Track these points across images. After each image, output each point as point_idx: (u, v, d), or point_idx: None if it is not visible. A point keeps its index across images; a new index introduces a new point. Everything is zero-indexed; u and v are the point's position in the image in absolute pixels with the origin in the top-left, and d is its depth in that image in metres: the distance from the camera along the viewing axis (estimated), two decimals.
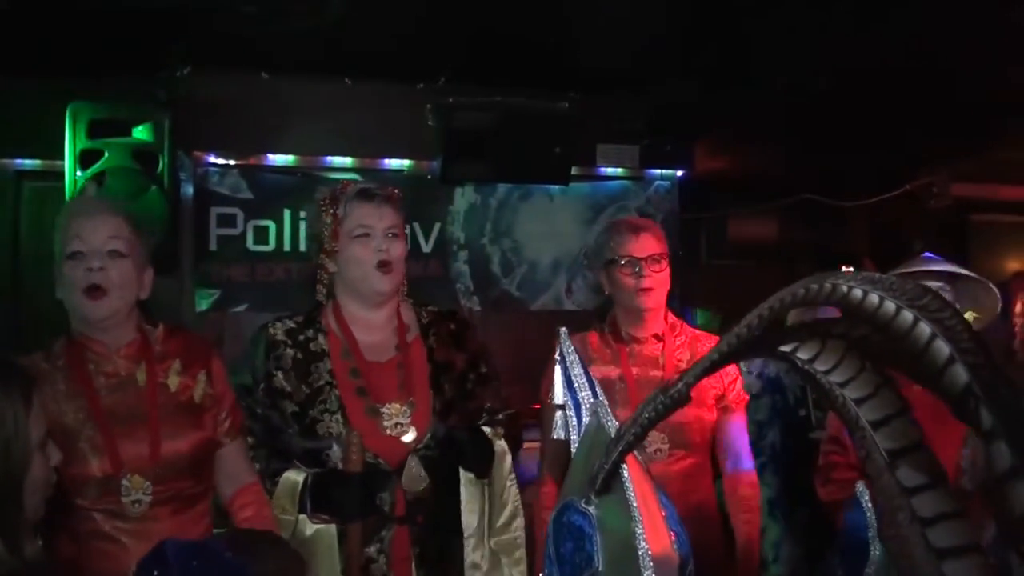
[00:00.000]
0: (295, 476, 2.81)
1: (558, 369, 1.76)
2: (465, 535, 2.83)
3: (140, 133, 4.86)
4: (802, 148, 6.75)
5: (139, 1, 4.29)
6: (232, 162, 5.74)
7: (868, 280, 0.92)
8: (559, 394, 1.76)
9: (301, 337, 2.97)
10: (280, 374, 2.91)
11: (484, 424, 3.02)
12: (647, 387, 3.29)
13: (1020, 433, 0.81)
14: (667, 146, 6.31)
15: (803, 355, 1.03)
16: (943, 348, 0.85)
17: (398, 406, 2.88)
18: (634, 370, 3.35)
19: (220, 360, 2.89)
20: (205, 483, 2.78)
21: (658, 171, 6.43)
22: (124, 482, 2.55)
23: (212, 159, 5.69)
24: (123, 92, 5.06)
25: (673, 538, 1.47)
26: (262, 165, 5.82)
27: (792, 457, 4.83)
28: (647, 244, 3.40)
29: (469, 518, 2.84)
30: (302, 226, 5.84)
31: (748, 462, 3.52)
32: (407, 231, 3.09)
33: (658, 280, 3.38)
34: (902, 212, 7.01)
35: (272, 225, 5.83)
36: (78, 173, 4.68)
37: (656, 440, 3.32)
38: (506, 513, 2.92)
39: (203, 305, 5.69)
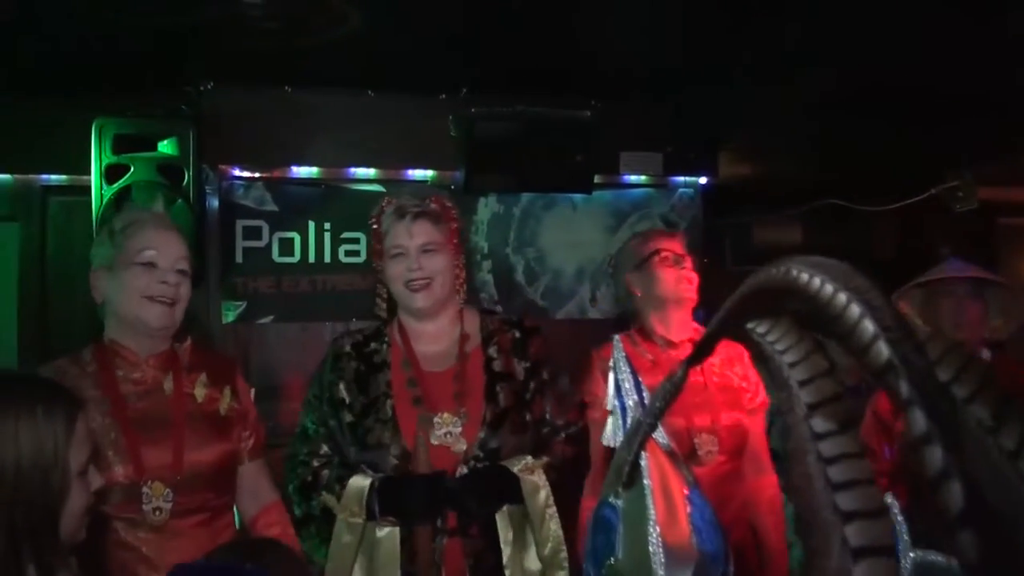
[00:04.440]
0: (362, 481, 2.81)
1: (611, 376, 1.78)
2: (504, 562, 2.82)
3: (165, 147, 4.89)
4: (826, 153, 6.73)
5: (163, 17, 4.32)
6: (257, 175, 5.76)
7: (814, 264, 1.01)
8: (609, 400, 1.78)
9: (366, 349, 3.01)
10: (342, 384, 2.96)
11: (540, 444, 2.98)
12: (688, 392, 3.29)
13: (934, 403, 0.88)
14: (690, 153, 6.29)
15: (759, 330, 1.14)
16: (869, 327, 0.93)
17: (449, 416, 2.89)
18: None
19: (243, 378, 2.93)
20: (228, 496, 2.80)
21: (682, 178, 6.42)
22: (145, 489, 2.57)
23: (237, 172, 5.72)
24: (148, 107, 5.09)
25: (693, 533, 1.48)
26: (286, 178, 5.84)
27: None
28: (679, 245, 3.44)
29: (504, 547, 2.84)
30: (327, 238, 5.87)
31: (771, 466, 3.53)
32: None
33: (692, 277, 3.41)
34: (928, 216, 6.97)
35: (297, 237, 5.85)
36: (104, 187, 4.72)
37: (708, 443, 3.33)
38: (549, 548, 2.86)
39: (229, 317, 5.72)
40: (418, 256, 2.94)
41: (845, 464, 1.02)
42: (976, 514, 0.84)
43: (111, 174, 4.74)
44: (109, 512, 2.54)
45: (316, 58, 5.04)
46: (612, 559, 1.50)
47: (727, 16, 4.45)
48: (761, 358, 1.16)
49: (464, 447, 2.85)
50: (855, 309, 0.95)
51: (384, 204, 3.05)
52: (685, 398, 3.30)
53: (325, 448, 2.97)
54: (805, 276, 1.01)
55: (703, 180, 6.46)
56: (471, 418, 2.90)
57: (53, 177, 5.60)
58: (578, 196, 6.19)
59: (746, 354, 1.16)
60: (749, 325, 1.16)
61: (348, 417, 2.91)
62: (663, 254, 3.45)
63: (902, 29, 4.45)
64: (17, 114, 5.30)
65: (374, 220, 3.03)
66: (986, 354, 3.52)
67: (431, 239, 2.97)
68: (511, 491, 2.84)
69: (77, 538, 1.98)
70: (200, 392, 2.77)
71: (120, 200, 4.70)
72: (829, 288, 0.98)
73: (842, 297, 0.96)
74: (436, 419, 2.88)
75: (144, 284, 2.65)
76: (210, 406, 2.77)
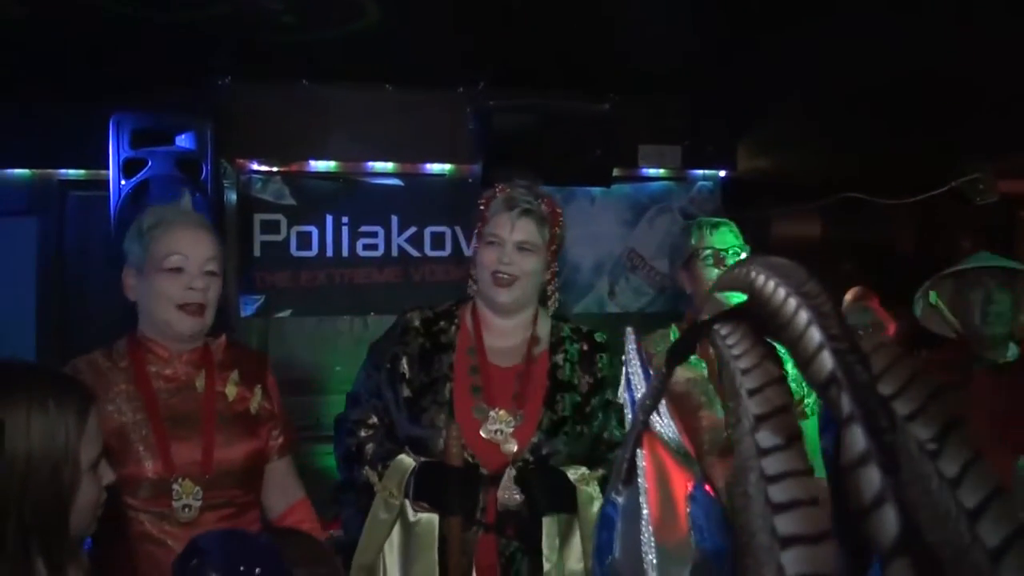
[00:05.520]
0: (406, 463, 2.81)
1: (624, 369, 1.76)
2: (544, 569, 2.80)
3: (183, 142, 4.89)
4: (845, 146, 6.70)
5: (181, 12, 4.31)
6: (275, 169, 5.77)
7: (770, 266, 0.98)
8: (620, 392, 1.76)
9: (435, 328, 2.98)
10: (405, 359, 2.92)
11: (595, 459, 2.95)
12: None
13: (874, 420, 0.84)
14: (709, 146, 6.27)
15: (722, 332, 1.09)
16: (815, 335, 0.90)
17: (505, 413, 2.85)
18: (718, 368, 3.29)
19: (274, 377, 2.92)
20: (255, 493, 2.79)
21: (700, 171, 6.40)
22: (175, 486, 2.56)
23: (255, 166, 5.73)
24: (165, 102, 5.09)
25: (692, 532, 1.46)
26: (304, 171, 5.85)
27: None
28: (726, 237, 3.41)
29: (548, 552, 2.81)
30: (344, 231, 5.87)
31: (819, 468, 3.49)
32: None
33: None
34: (947, 209, 6.93)
35: (315, 231, 5.86)
36: (122, 182, 4.72)
37: None
38: None
39: (247, 311, 5.72)
40: (512, 251, 2.89)
41: (789, 482, 0.95)
42: (909, 546, 0.79)
43: (129, 168, 4.73)
44: (136, 505, 2.54)
45: (333, 52, 5.04)
46: (611, 557, 1.48)
47: (745, 10, 4.43)
48: (721, 363, 1.11)
49: (514, 448, 2.82)
50: (803, 316, 0.92)
51: (498, 190, 3.00)
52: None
53: (374, 418, 2.94)
54: (761, 278, 0.98)
55: (722, 173, 6.45)
56: (526, 420, 2.86)
57: (71, 172, 5.62)
58: (596, 189, 6.18)
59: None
60: (715, 327, 1.11)
61: (406, 392, 2.89)
62: (703, 253, 3.41)
63: (921, 23, 4.43)
64: (35, 109, 5.31)
65: (483, 203, 2.98)
66: (1013, 349, 3.50)
67: (530, 238, 2.91)
68: (570, 497, 2.82)
69: (87, 532, 1.96)
70: (231, 391, 2.75)
71: (138, 195, 4.69)
72: (781, 292, 0.95)
73: (792, 303, 0.94)
74: (492, 413, 2.85)
75: (173, 292, 2.63)
76: (241, 405, 2.76)
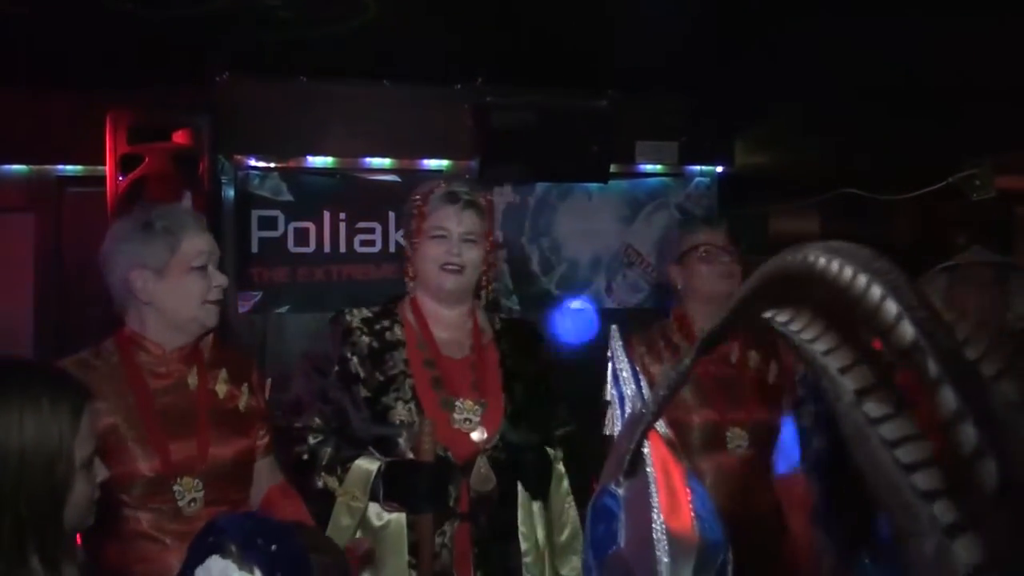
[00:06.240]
0: (368, 464, 2.83)
1: (610, 366, 1.77)
2: (521, 548, 2.84)
3: (180, 138, 4.89)
4: (842, 143, 6.70)
5: (178, 8, 4.31)
6: (272, 165, 5.75)
7: (832, 249, 0.99)
8: (608, 390, 1.77)
9: (377, 326, 3.01)
10: (355, 359, 2.94)
11: (549, 440, 3.05)
12: (723, 385, 3.34)
13: (963, 379, 0.87)
14: (706, 142, 6.27)
15: (780, 319, 1.12)
16: (892, 306, 0.92)
17: (470, 403, 2.91)
18: (711, 368, 3.35)
19: (260, 377, 2.94)
20: (246, 492, 2.82)
21: (697, 167, 6.40)
22: (176, 487, 2.58)
23: (252, 162, 5.71)
24: (162, 98, 5.09)
25: (695, 520, 1.47)
26: (302, 168, 5.84)
27: (837, 464, 4.78)
28: (722, 237, 3.44)
29: (525, 533, 2.86)
30: (342, 228, 5.86)
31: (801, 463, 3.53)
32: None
33: (735, 270, 3.40)
34: (945, 206, 6.93)
35: (312, 227, 5.85)
36: (119, 178, 4.72)
37: (739, 436, 3.35)
38: (566, 533, 2.99)
39: (245, 307, 5.72)
40: (459, 242, 2.97)
41: (911, 446, 0.99)
42: (1011, 494, 0.83)
43: (126, 165, 4.73)
44: (130, 503, 2.55)
45: (331, 48, 5.03)
46: (614, 547, 1.49)
47: (744, 7, 4.42)
48: (791, 347, 1.14)
49: (483, 436, 2.88)
50: (877, 290, 0.93)
51: (434, 186, 3.06)
52: (719, 391, 3.35)
53: (318, 421, 2.95)
54: (823, 260, 0.99)
55: (719, 169, 6.44)
56: (491, 408, 2.93)
57: (69, 168, 5.62)
58: (594, 185, 6.17)
59: (782, 350, 1.15)
60: (768, 315, 1.13)
61: (363, 392, 2.91)
62: (703, 248, 3.44)
63: (919, 20, 4.43)
64: (33, 105, 5.31)
65: (420, 198, 3.04)
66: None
67: (474, 229, 3.01)
68: (549, 475, 2.96)
69: (82, 528, 1.97)
70: (221, 388, 2.79)
71: (134, 191, 4.69)
72: (849, 271, 0.97)
73: (863, 278, 0.95)
74: (457, 403, 2.91)
75: (204, 289, 2.71)
76: (231, 402, 2.79)
